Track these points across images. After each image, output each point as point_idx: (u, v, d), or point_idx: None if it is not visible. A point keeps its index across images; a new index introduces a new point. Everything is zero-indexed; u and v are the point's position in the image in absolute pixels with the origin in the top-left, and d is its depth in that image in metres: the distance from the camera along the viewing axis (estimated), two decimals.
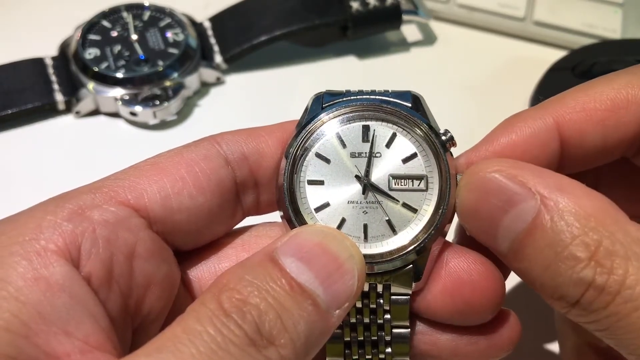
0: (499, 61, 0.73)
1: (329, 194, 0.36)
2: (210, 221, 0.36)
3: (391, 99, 0.36)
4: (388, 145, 0.36)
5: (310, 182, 0.36)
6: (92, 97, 0.65)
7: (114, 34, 0.68)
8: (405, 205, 0.35)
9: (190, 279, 0.37)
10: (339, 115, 0.36)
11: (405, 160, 0.36)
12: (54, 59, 0.67)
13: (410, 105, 0.36)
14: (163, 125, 0.66)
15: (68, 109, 0.66)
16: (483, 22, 0.75)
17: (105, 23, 0.68)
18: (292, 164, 0.36)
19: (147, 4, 0.70)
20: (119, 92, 0.64)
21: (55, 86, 0.66)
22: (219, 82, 0.70)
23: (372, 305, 0.35)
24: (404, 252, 0.35)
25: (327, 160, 0.36)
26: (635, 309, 0.29)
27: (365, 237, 0.35)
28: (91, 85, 0.64)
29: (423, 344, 0.37)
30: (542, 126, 0.36)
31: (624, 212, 0.31)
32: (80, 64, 0.65)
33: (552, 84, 0.66)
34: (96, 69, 0.64)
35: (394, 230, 0.35)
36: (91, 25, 0.68)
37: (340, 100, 0.37)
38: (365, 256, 0.33)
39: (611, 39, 0.70)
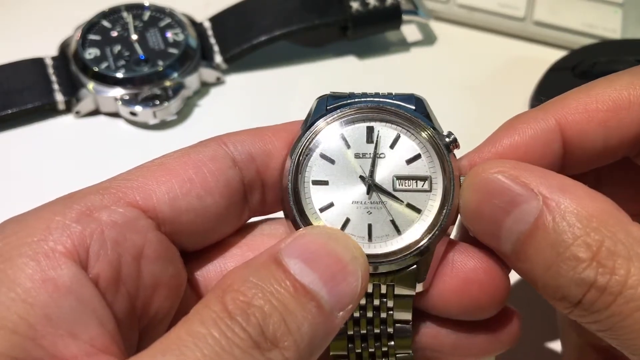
0: (499, 61, 0.72)
1: (334, 195, 0.36)
2: (217, 222, 0.36)
3: (395, 102, 0.37)
4: (392, 146, 0.36)
5: (315, 183, 0.36)
6: (92, 97, 0.64)
7: (114, 34, 0.67)
8: (409, 205, 0.35)
9: (196, 279, 0.37)
10: (343, 117, 0.36)
11: (409, 161, 0.36)
12: (54, 59, 0.67)
13: (414, 107, 0.37)
14: (163, 125, 0.66)
15: (68, 109, 0.66)
16: (483, 22, 0.75)
17: (105, 23, 0.68)
18: (297, 164, 0.36)
19: (147, 4, 0.70)
20: (119, 92, 0.64)
21: (55, 86, 0.65)
22: (219, 82, 0.69)
23: (375, 303, 0.36)
24: (408, 252, 0.35)
25: (332, 161, 0.36)
26: (637, 309, 0.29)
27: (370, 237, 0.35)
28: (91, 85, 0.64)
29: (425, 337, 0.37)
30: (544, 127, 0.36)
31: (625, 213, 0.31)
32: (80, 64, 0.65)
33: (552, 84, 0.66)
34: (96, 69, 0.64)
35: (398, 231, 0.35)
36: (91, 25, 0.68)
37: (344, 102, 0.37)
38: (370, 256, 0.33)
39: (611, 39, 0.70)
